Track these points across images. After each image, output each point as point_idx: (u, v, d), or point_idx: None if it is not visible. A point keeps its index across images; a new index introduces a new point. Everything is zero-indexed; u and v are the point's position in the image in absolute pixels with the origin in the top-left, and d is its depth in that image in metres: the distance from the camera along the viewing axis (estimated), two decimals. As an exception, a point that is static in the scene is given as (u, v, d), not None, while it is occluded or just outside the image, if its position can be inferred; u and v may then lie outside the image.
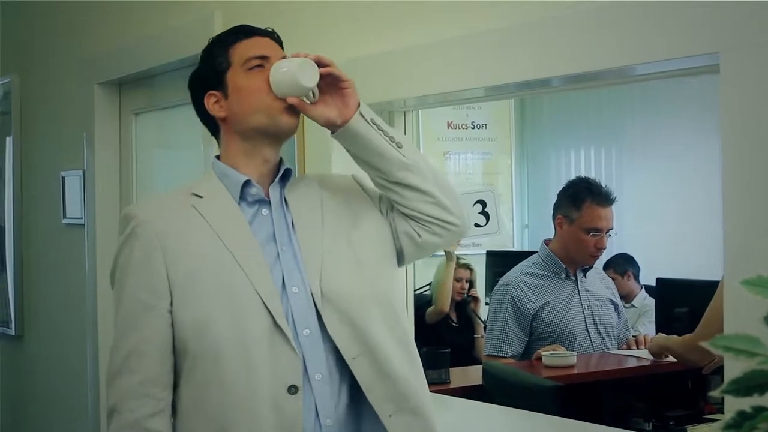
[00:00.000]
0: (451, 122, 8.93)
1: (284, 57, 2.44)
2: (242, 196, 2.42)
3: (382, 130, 2.43)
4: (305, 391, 2.29)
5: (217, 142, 2.54)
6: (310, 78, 2.38)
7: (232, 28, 2.54)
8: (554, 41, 2.68)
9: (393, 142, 2.43)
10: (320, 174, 2.69)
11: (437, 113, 8.62)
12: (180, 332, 2.31)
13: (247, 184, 2.42)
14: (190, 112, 3.72)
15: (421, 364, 2.46)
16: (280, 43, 2.51)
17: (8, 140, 5.87)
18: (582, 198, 4.70)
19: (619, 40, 2.51)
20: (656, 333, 5.42)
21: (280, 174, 2.47)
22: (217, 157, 2.52)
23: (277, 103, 2.37)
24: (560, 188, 4.95)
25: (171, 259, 2.32)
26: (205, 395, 2.29)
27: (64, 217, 5.32)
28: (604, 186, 4.79)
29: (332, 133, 2.46)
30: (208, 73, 2.50)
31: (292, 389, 2.26)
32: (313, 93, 2.43)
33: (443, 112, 8.72)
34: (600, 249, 4.71)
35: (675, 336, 4.21)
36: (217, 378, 2.27)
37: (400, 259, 2.54)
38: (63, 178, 5.30)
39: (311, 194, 2.51)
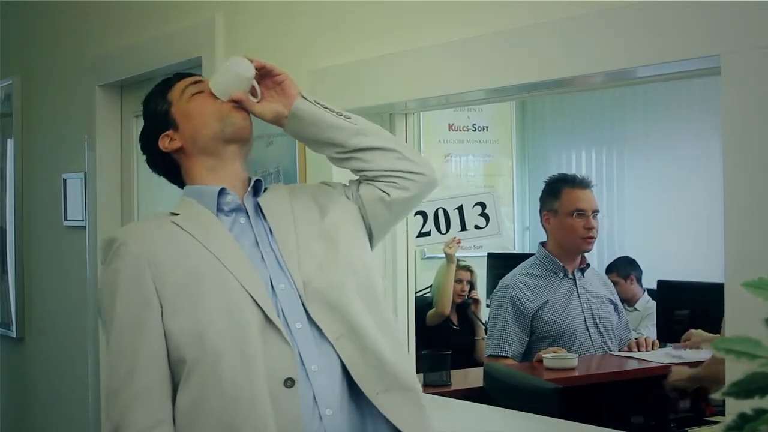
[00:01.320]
0: (452, 124, 8.93)
1: None
2: (218, 207, 2.49)
3: (328, 108, 2.56)
4: (303, 384, 2.32)
5: (180, 182, 2.66)
6: (246, 68, 2.52)
7: (157, 84, 2.69)
8: (555, 44, 2.68)
9: (341, 115, 2.56)
10: (289, 185, 2.78)
11: (438, 115, 8.64)
12: (175, 340, 2.33)
13: (222, 192, 2.49)
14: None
15: (406, 348, 2.59)
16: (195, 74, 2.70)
17: (9, 142, 5.88)
18: (559, 188, 4.78)
19: (620, 42, 2.51)
20: (657, 335, 5.43)
21: (251, 185, 2.55)
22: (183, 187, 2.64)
23: (224, 105, 2.50)
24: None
25: (158, 272, 2.35)
26: (205, 395, 2.30)
27: (65, 219, 5.32)
28: (578, 174, 4.89)
29: (284, 128, 2.58)
30: (154, 122, 2.62)
31: (288, 382, 2.29)
32: (255, 91, 2.56)
33: (444, 115, 8.73)
34: (590, 229, 4.74)
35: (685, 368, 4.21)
36: (215, 377, 2.29)
37: (375, 232, 2.63)
38: (64, 180, 5.30)
39: (282, 202, 2.58)
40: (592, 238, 4.79)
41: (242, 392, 2.27)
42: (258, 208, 2.54)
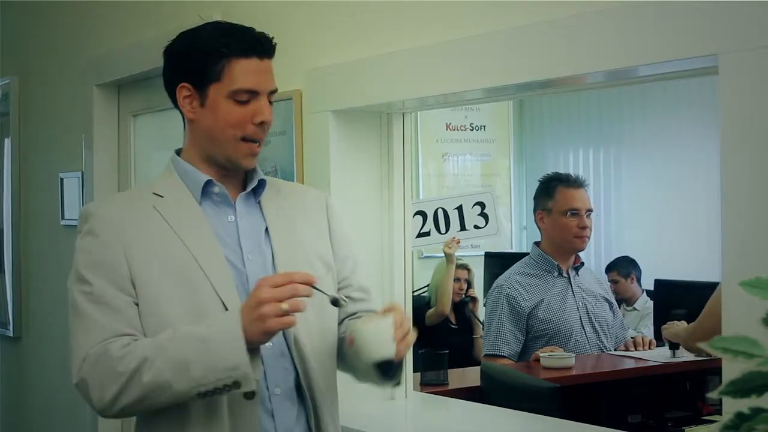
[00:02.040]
0: (450, 124, 8.94)
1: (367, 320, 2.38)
2: (205, 195, 2.41)
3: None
4: (263, 399, 2.33)
5: (183, 122, 2.51)
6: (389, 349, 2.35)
7: (233, 27, 2.45)
8: (553, 43, 2.68)
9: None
10: (293, 184, 2.75)
11: (436, 115, 8.64)
12: (145, 332, 2.28)
13: (208, 183, 2.41)
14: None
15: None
16: (273, 51, 2.43)
17: (7, 141, 5.88)
18: (553, 187, 4.79)
19: (618, 42, 2.51)
20: (654, 334, 5.44)
21: (254, 184, 2.46)
22: (178, 152, 2.52)
23: (243, 145, 2.37)
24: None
25: (133, 258, 2.29)
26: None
27: (63, 218, 5.32)
28: (572, 173, 4.90)
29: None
30: (192, 65, 2.40)
31: (249, 395, 2.25)
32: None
33: (442, 114, 8.74)
34: (583, 228, 4.75)
35: (684, 323, 4.23)
36: None
37: None
38: (61, 179, 5.30)
39: (286, 205, 2.52)
40: (585, 237, 4.80)
41: (201, 403, 2.26)
42: (258, 205, 2.46)
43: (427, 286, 7.10)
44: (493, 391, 4.17)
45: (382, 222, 3.50)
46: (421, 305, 6.71)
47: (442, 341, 6.33)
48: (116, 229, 2.30)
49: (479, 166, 9.23)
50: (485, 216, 6.73)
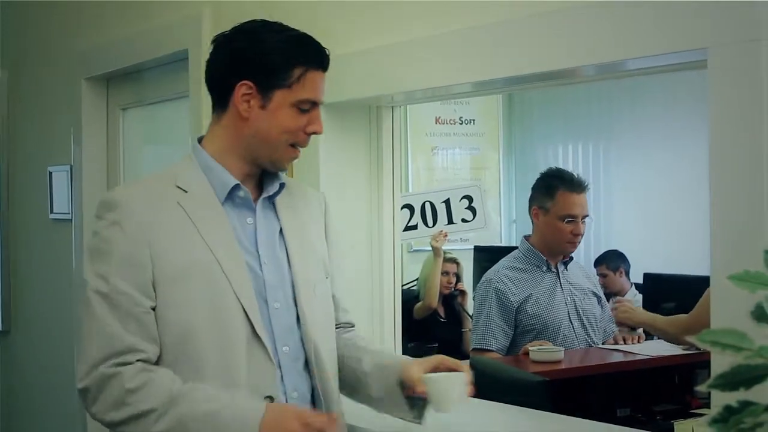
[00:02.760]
0: (439, 117, 8.93)
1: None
2: (228, 196, 2.41)
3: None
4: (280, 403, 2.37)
5: (213, 112, 2.51)
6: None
7: (304, 36, 2.48)
8: (542, 37, 2.68)
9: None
10: (298, 183, 2.76)
11: (425, 109, 8.63)
12: (160, 334, 2.30)
13: (236, 188, 2.42)
14: (177, 107, 3.72)
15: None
16: None
17: (-5, 135, 5.86)
18: (554, 187, 4.73)
19: (607, 35, 2.51)
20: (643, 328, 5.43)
21: (275, 189, 2.49)
22: (200, 139, 2.51)
23: (291, 151, 2.43)
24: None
25: (157, 257, 2.28)
26: None
27: (51, 212, 5.31)
28: (575, 174, 4.83)
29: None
30: (263, 68, 2.39)
31: (268, 399, 2.31)
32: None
33: (431, 108, 8.73)
34: (577, 235, 4.73)
35: (660, 316, 4.23)
36: (197, 382, 2.27)
37: None
38: (50, 173, 5.29)
39: (297, 205, 2.57)
40: (577, 242, 4.79)
41: None
42: (273, 207, 2.50)
43: (416, 279, 7.10)
44: (482, 385, 4.15)
45: (371, 216, 3.50)
46: (410, 299, 6.71)
47: (431, 335, 6.34)
48: (142, 225, 2.29)
49: (469, 160, 9.23)
50: (473, 210, 6.73)
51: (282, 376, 2.37)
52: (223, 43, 2.46)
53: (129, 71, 4.74)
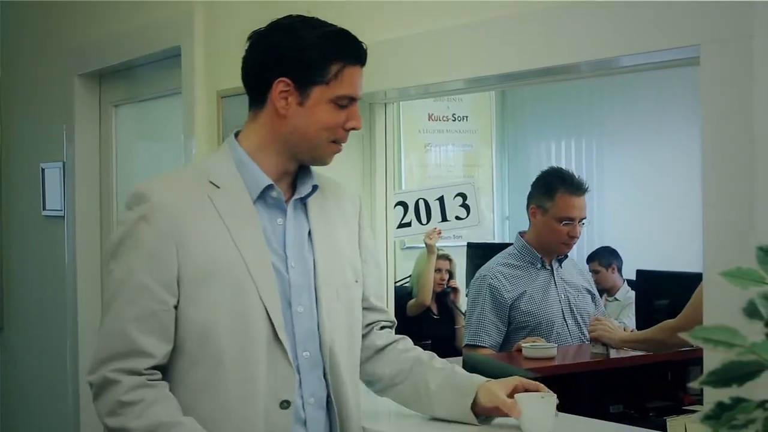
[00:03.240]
0: (432, 114, 8.92)
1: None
2: (261, 195, 2.38)
3: None
4: (297, 409, 2.35)
5: (250, 109, 2.47)
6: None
7: (341, 32, 2.44)
8: (535, 34, 2.68)
9: None
10: (333, 182, 2.64)
11: (418, 105, 8.62)
12: (182, 331, 2.27)
13: (269, 188, 2.38)
14: (170, 103, 3.72)
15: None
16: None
17: (-13, 132, 5.86)
18: (554, 187, 4.70)
19: (600, 32, 2.51)
20: (636, 325, 5.43)
21: (308, 191, 2.45)
22: (236, 134, 2.47)
23: (332, 146, 2.40)
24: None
25: (184, 254, 2.25)
26: (200, 400, 2.29)
27: (44, 209, 5.31)
28: (576, 176, 4.81)
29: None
30: (300, 64, 2.35)
31: (284, 404, 2.31)
32: None
33: (424, 104, 8.72)
34: (573, 238, 4.72)
35: (640, 332, 4.22)
36: (213, 384, 2.27)
37: None
38: (43, 170, 5.28)
39: (328, 206, 2.53)
40: (572, 244, 4.79)
41: (237, 408, 2.28)
42: (304, 208, 2.46)
43: (409, 276, 7.09)
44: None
45: (364, 212, 3.50)
46: (403, 296, 6.71)
47: (424, 332, 6.33)
48: (171, 220, 2.26)
49: (462, 157, 9.22)
50: (466, 207, 6.72)
51: (300, 382, 2.36)
52: (259, 39, 2.43)
53: (122, 68, 4.74)
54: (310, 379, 2.38)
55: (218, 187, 2.34)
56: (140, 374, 2.24)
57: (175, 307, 2.26)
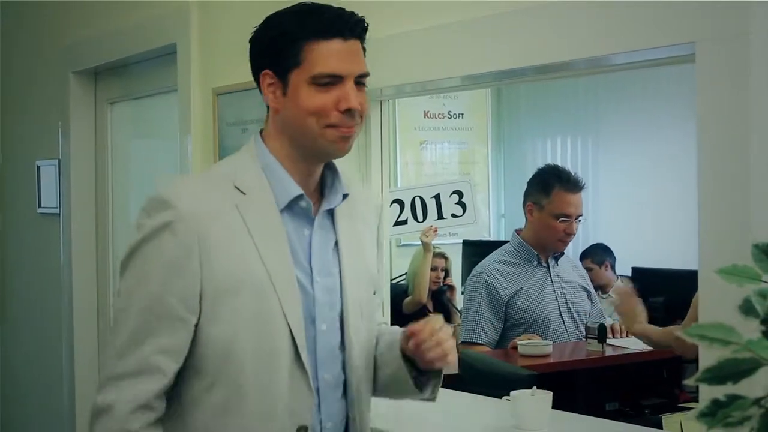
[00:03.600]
0: (428, 112, 8.92)
1: None
2: (288, 205, 2.19)
3: None
4: None
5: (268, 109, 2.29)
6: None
7: (315, 6, 2.21)
8: (531, 31, 2.68)
9: None
10: (355, 182, 2.50)
11: (414, 103, 8.62)
12: (202, 349, 2.11)
13: (299, 197, 2.19)
14: (166, 101, 3.72)
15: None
16: (361, 31, 2.21)
17: (-17, 129, 5.85)
18: (551, 184, 4.72)
19: (596, 29, 2.52)
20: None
21: (338, 201, 2.27)
22: (261, 132, 2.28)
23: (329, 131, 2.14)
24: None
25: (208, 268, 2.08)
26: (223, 422, 2.14)
27: (39, 206, 5.30)
28: (572, 173, 4.82)
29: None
30: (271, 50, 2.19)
31: (302, 429, 2.17)
32: None
33: (420, 102, 8.72)
34: (569, 235, 4.73)
35: (653, 326, 4.21)
36: (233, 407, 2.13)
37: None
38: (38, 167, 5.28)
39: (354, 214, 2.34)
40: (568, 241, 4.80)
41: (256, 430, 2.14)
42: (331, 218, 2.27)
43: (405, 274, 7.09)
44: (470, 379, 4.17)
45: (360, 210, 3.50)
46: (399, 293, 6.70)
47: (420, 329, 6.32)
48: (196, 231, 2.07)
49: (457, 154, 9.22)
50: (463, 205, 6.73)
51: (319, 404, 2.21)
52: (251, 37, 2.28)
53: (117, 65, 4.74)
54: (329, 401, 2.24)
55: (244, 193, 2.16)
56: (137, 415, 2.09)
57: (196, 325, 2.09)
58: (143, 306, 2.09)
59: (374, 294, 2.39)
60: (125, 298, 2.13)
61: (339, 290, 2.25)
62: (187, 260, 2.07)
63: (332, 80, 2.13)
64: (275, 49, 2.18)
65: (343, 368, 2.26)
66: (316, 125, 2.14)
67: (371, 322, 2.35)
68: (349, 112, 2.14)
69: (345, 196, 2.27)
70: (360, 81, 2.18)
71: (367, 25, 2.22)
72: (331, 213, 2.28)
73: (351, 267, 2.27)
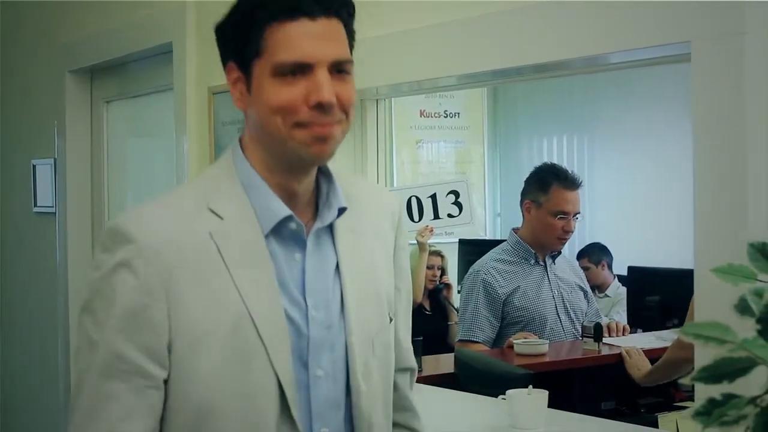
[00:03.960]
0: (424, 111, 8.92)
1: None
2: (275, 228, 1.81)
3: None
4: None
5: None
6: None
7: None
8: (528, 30, 2.68)
9: None
10: (369, 186, 2.17)
11: (410, 102, 8.62)
12: (172, 412, 1.74)
13: (287, 219, 1.81)
14: (162, 100, 3.72)
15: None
16: (335, 7, 1.79)
17: (-22, 128, 5.85)
18: (549, 182, 4.73)
19: (591, 28, 2.52)
20: (627, 321, 5.45)
21: (333, 216, 1.87)
22: (240, 141, 1.89)
23: (298, 132, 1.74)
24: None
25: (176, 314, 1.71)
26: None
27: (35, 205, 5.30)
28: (570, 171, 4.83)
29: None
30: (230, 38, 1.83)
31: None
32: None
33: (416, 101, 8.72)
34: (567, 232, 4.74)
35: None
36: None
37: None
38: (34, 166, 5.27)
39: (361, 227, 1.95)
40: (566, 239, 4.80)
41: None
42: (329, 233, 1.89)
43: (402, 274, 7.09)
44: (467, 378, 4.17)
45: (356, 209, 3.50)
46: (395, 293, 6.70)
47: (417, 328, 6.30)
48: (162, 270, 1.71)
49: (453, 153, 9.22)
50: (459, 205, 6.71)
51: None
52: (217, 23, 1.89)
53: (113, 64, 4.74)
54: None
55: (221, 217, 1.78)
56: None
57: (165, 382, 1.73)
58: (103, 363, 1.71)
59: (390, 322, 2.00)
60: (83, 354, 1.76)
61: (341, 325, 1.86)
62: (152, 307, 1.70)
63: (299, 69, 1.73)
64: (236, 35, 1.80)
65: (349, 420, 1.87)
66: (283, 125, 1.74)
67: (388, 357, 1.97)
68: (320, 107, 1.73)
69: (342, 210, 1.87)
70: (341, 68, 1.78)
71: (349, 1, 1.84)
72: (330, 229, 1.89)
73: (357, 294, 1.88)
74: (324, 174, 1.89)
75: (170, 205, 1.83)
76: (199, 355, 1.72)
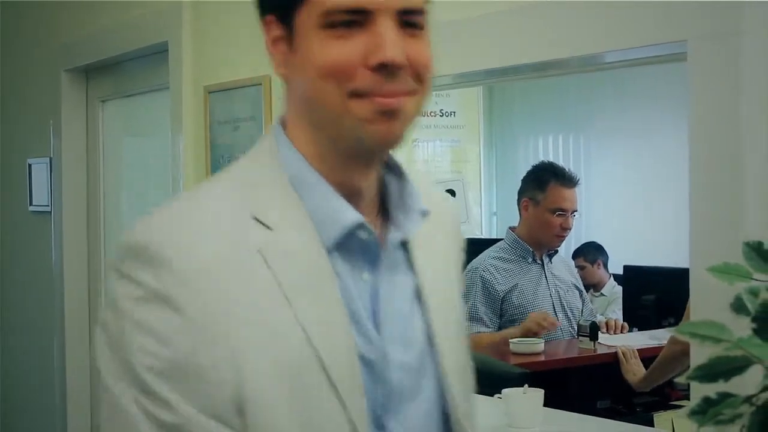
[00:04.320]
0: (420, 109, 8.92)
1: None
2: (341, 240, 1.37)
3: None
4: None
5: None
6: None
7: None
8: (524, 29, 2.68)
9: None
10: (427, 187, 1.58)
11: (406, 101, 8.62)
12: None
13: (357, 227, 1.37)
14: (158, 99, 3.71)
15: None
16: None
17: (-26, 127, 5.84)
18: (546, 180, 4.75)
19: (588, 28, 2.51)
20: (623, 320, 5.45)
21: (418, 223, 1.45)
22: (282, 124, 1.46)
23: (355, 105, 1.31)
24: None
25: (239, 361, 1.26)
26: None
27: (31, 204, 5.29)
28: (567, 169, 4.85)
29: None
30: None
31: None
32: None
33: (411, 100, 8.72)
34: (565, 229, 4.76)
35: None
36: None
37: None
38: (29, 165, 5.27)
39: (435, 239, 1.54)
40: (564, 237, 4.81)
41: None
42: (402, 250, 1.47)
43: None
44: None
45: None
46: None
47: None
48: (212, 302, 1.27)
49: (449, 152, 9.21)
50: (455, 203, 6.73)
51: None
52: None
53: (109, 63, 4.73)
54: None
55: (269, 228, 1.34)
56: None
57: None
58: None
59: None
60: (119, 415, 1.28)
61: (430, 366, 1.45)
62: (206, 353, 1.25)
63: (354, 18, 1.30)
64: None
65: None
66: (337, 94, 1.31)
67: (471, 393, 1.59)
68: (384, 68, 1.31)
69: (424, 213, 1.45)
70: (412, 21, 1.37)
71: None
72: (402, 242, 1.46)
73: (445, 329, 1.48)
74: (390, 167, 1.49)
75: (206, 211, 1.36)
76: (262, 409, 1.27)
